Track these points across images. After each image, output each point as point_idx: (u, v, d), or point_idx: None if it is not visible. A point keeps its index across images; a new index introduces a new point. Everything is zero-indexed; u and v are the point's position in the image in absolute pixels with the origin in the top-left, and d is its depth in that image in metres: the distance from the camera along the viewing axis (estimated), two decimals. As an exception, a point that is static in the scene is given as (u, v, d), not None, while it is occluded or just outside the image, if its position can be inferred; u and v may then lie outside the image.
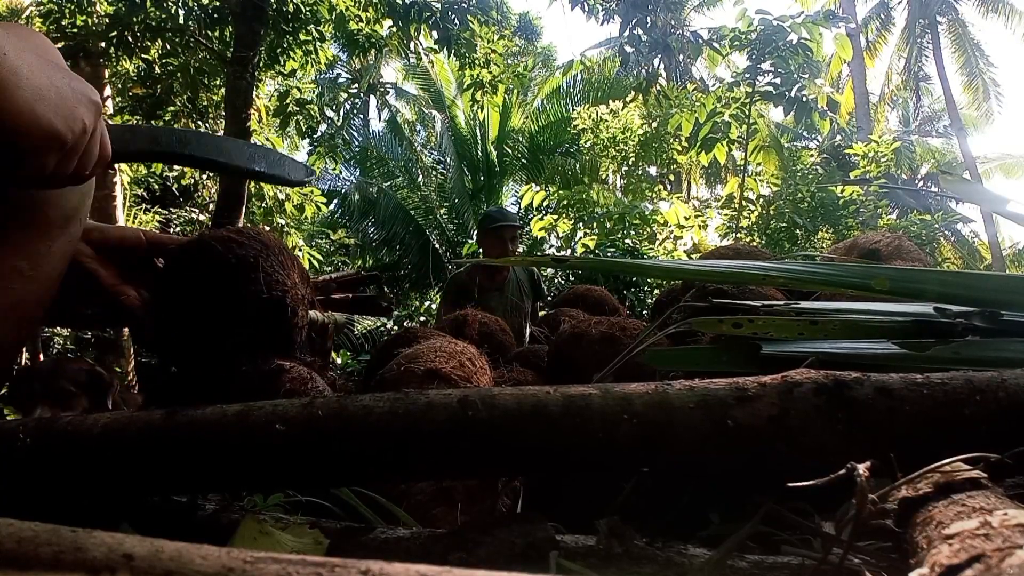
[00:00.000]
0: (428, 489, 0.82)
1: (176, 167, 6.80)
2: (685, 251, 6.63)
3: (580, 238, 6.99)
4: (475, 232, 4.72)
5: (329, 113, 6.77)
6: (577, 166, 11.53)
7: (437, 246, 11.83)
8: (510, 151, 12.65)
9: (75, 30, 5.40)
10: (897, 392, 0.51)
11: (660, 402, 0.53)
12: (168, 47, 5.71)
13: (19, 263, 0.69)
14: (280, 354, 0.99)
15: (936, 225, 8.38)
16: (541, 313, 3.17)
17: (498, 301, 3.08)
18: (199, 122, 6.12)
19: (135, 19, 5.27)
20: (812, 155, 10.27)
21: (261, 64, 5.54)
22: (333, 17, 6.14)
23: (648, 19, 6.02)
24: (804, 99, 6.09)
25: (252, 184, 6.13)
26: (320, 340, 1.19)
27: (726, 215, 7.39)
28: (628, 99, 9.61)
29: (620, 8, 6.04)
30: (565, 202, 7.69)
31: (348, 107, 13.95)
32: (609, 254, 5.71)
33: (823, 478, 0.42)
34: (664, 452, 0.52)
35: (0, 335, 0.69)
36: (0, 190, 0.69)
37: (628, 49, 6.29)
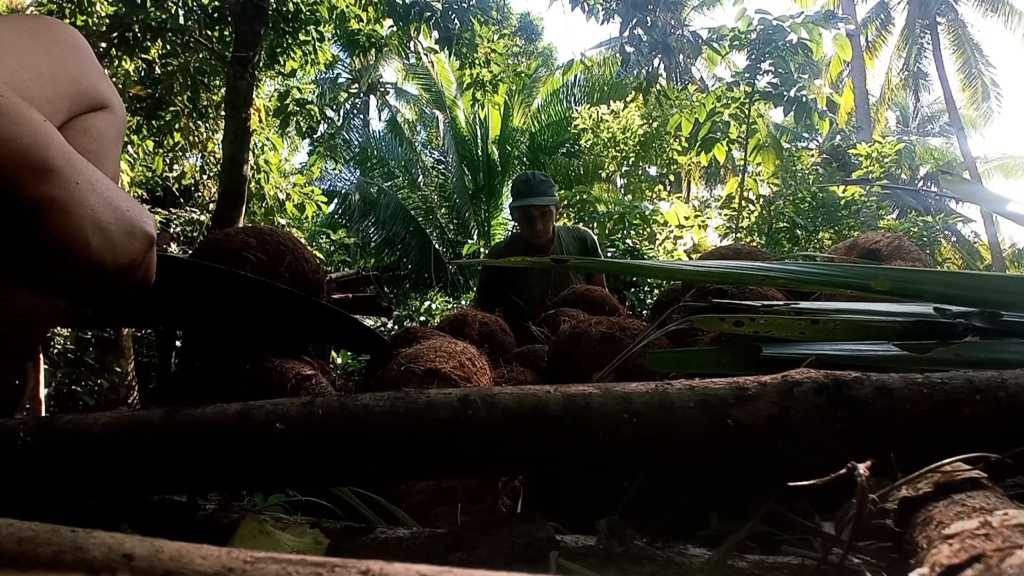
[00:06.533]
0: (428, 489, 0.82)
1: (177, 169, 6.81)
2: (685, 251, 6.62)
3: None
4: (475, 232, 4.59)
5: (329, 113, 6.76)
6: (580, 166, 11.51)
7: (438, 246, 11.82)
8: (511, 151, 12.64)
9: (75, 30, 5.38)
10: (897, 392, 0.51)
11: (660, 401, 0.53)
12: (168, 47, 5.70)
13: None
14: (282, 353, 1.00)
15: (936, 225, 8.36)
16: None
17: (538, 276, 2.73)
18: (199, 122, 6.11)
19: (135, 19, 5.27)
20: (812, 155, 10.25)
21: (261, 64, 5.53)
22: (333, 17, 6.13)
23: (648, 19, 6.00)
24: (804, 99, 6.08)
25: (252, 184, 6.13)
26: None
27: (726, 215, 7.37)
28: (628, 99, 9.59)
29: (620, 8, 6.02)
30: (566, 202, 7.69)
31: (348, 107, 13.95)
32: (609, 254, 5.70)
33: (823, 478, 0.42)
34: (664, 451, 0.52)
35: (17, 337, 0.69)
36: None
37: (628, 49, 6.27)
